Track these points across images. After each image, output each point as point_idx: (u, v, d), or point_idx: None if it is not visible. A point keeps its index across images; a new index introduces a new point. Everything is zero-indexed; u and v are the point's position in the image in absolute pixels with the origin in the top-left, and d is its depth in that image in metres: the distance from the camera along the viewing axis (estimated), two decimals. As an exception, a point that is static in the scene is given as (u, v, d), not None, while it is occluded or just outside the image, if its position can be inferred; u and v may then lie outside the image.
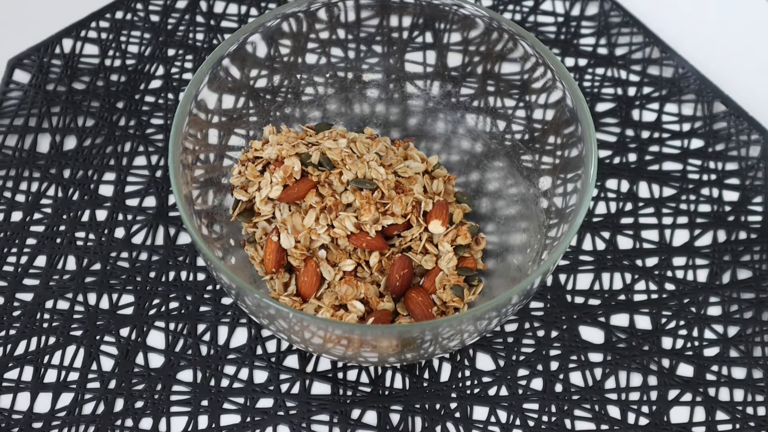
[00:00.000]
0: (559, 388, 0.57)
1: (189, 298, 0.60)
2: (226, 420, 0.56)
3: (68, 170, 0.64)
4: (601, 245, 0.62)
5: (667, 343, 0.59)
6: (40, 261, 0.61)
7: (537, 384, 0.58)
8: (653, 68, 0.69)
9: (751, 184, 0.65)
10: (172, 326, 0.59)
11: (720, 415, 0.57)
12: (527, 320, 0.59)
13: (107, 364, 0.58)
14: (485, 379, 0.57)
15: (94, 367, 0.58)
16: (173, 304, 0.60)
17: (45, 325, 0.59)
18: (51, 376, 0.57)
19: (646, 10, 0.72)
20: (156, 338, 0.59)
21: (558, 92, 0.55)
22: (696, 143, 0.66)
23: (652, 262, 0.62)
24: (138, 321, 0.59)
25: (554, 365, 0.58)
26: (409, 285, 0.57)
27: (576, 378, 0.58)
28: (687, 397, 0.57)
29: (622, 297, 0.60)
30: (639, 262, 0.62)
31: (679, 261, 0.62)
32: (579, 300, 0.60)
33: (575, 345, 0.59)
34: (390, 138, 0.63)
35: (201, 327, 0.59)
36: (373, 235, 0.56)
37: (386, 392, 0.57)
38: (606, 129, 0.67)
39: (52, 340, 0.58)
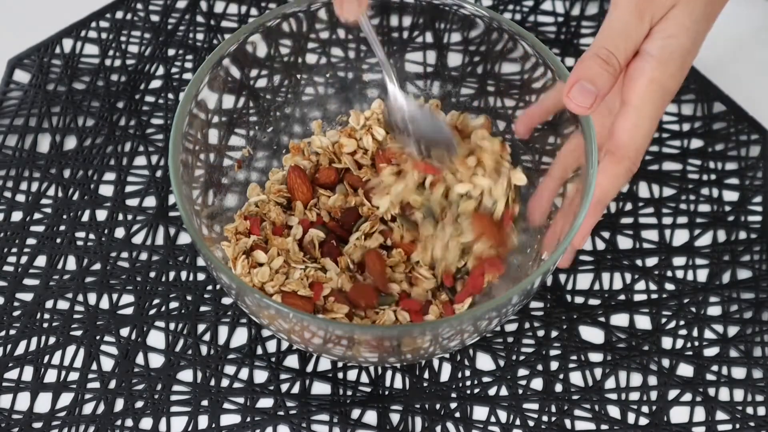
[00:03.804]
0: (559, 388, 0.57)
1: (189, 298, 0.60)
2: (226, 420, 0.56)
3: (68, 170, 0.65)
4: (601, 245, 0.62)
5: (667, 343, 0.59)
6: (40, 261, 0.61)
7: (537, 384, 0.58)
8: (653, 68, 0.69)
9: (751, 184, 0.65)
10: (172, 326, 0.59)
11: (720, 415, 0.57)
12: (527, 320, 0.59)
13: (107, 364, 0.58)
14: (485, 379, 0.57)
15: (94, 367, 0.58)
16: (173, 304, 0.60)
17: (45, 325, 0.59)
18: (51, 376, 0.57)
19: (646, 10, 0.72)
20: (156, 338, 0.59)
21: (558, 92, 0.55)
22: (696, 143, 0.66)
23: (652, 262, 0.62)
24: (138, 321, 0.59)
25: (554, 365, 0.58)
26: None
27: (576, 378, 0.58)
28: (687, 397, 0.57)
29: (622, 297, 0.60)
30: (639, 262, 0.62)
31: (679, 261, 0.62)
32: (579, 300, 0.60)
33: (575, 345, 0.59)
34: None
35: (201, 327, 0.59)
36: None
37: (386, 392, 0.57)
38: (606, 129, 0.67)
39: (52, 340, 0.58)
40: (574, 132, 0.54)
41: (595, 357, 0.59)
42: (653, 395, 0.57)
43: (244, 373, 0.57)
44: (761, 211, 0.64)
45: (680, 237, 0.63)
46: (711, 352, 0.59)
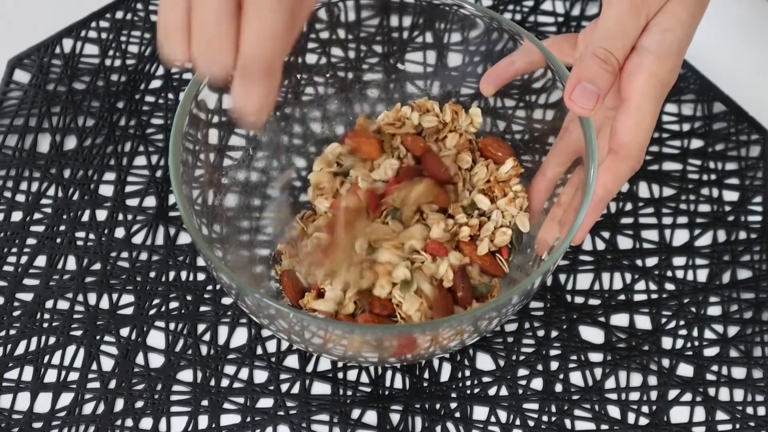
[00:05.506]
0: (559, 388, 0.57)
1: (189, 298, 0.60)
2: (226, 420, 0.56)
3: (68, 170, 0.65)
4: (601, 245, 0.62)
5: (667, 343, 0.59)
6: (40, 261, 0.61)
7: (537, 384, 0.58)
8: (653, 68, 0.69)
9: (751, 184, 0.65)
10: (172, 326, 0.59)
11: (720, 415, 0.57)
12: (527, 320, 0.59)
13: (107, 364, 0.58)
14: (485, 379, 0.57)
15: (94, 367, 0.58)
16: (173, 304, 0.60)
17: (45, 325, 0.59)
18: (51, 376, 0.57)
19: (646, 10, 0.72)
20: (156, 338, 0.59)
21: (558, 92, 0.55)
22: (696, 143, 0.66)
23: (652, 262, 0.62)
24: (138, 321, 0.59)
25: (554, 365, 0.58)
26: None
27: (576, 378, 0.58)
28: (687, 397, 0.57)
29: (622, 297, 0.60)
30: (639, 262, 0.62)
31: (679, 261, 0.62)
32: (579, 300, 0.60)
33: (575, 345, 0.59)
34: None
35: (201, 327, 0.59)
36: None
37: (386, 392, 0.57)
38: (606, 129, 0.67)
39: (52, 340, 0.59)
40: (567, 131, 0.54)
41: (595, 357, 0.59)
42: (653, 395, 0.57)
43: (244, 373, 0.57)
44: (761, 211, 0.64)
45: (680, 237, 0.63)
46: (711, 352, 0.59)
